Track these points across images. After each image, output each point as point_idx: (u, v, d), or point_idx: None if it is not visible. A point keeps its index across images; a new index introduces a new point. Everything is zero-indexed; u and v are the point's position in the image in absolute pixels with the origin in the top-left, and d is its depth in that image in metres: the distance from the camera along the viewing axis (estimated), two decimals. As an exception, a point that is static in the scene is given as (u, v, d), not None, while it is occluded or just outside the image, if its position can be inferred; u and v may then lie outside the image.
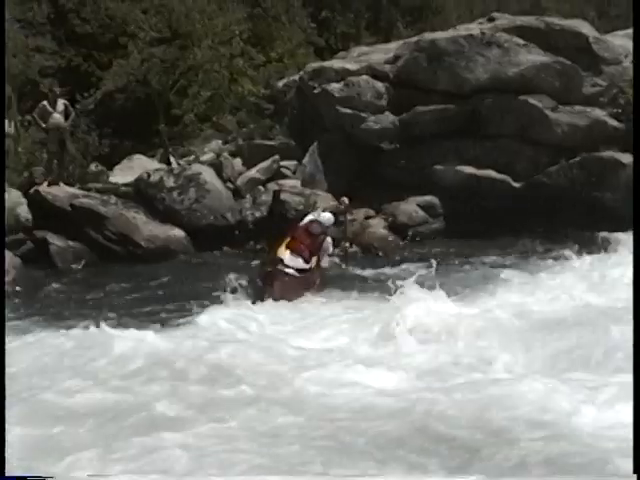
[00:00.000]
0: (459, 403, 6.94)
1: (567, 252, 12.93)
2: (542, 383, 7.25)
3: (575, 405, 6.78)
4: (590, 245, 13.56)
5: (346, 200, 13.81)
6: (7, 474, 5.39)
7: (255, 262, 13.91)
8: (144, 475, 5.87)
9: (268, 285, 11.40)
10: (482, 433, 6.40)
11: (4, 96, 15.57)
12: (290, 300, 11.12)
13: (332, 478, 5.93)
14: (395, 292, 10.16)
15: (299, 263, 11.90)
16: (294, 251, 11.97)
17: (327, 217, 12.67)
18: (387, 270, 13.53)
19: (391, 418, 6.77)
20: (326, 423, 6.78)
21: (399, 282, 10.29)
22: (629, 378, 6.30)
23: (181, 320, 10.57)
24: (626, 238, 12.36)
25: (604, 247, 13.42)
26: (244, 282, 11.51)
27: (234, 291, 11.21)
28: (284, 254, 11.88)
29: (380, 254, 15.00)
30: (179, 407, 7.16)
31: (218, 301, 10.86)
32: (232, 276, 11.43)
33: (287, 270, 11.71)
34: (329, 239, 12.49)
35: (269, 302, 11.03)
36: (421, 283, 10.29)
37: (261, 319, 10.27)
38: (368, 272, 13.53)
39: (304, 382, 7.66)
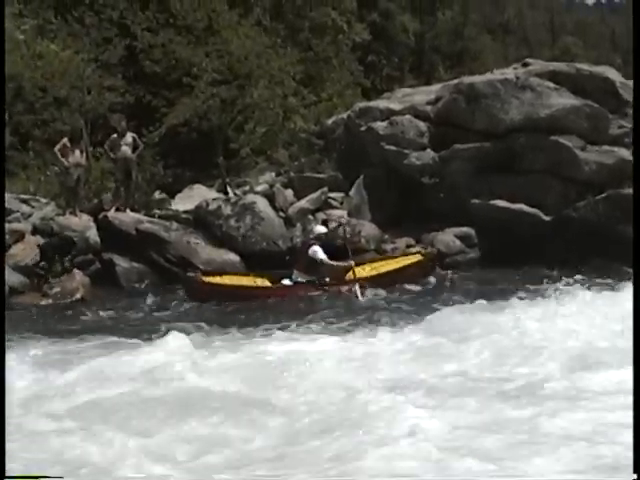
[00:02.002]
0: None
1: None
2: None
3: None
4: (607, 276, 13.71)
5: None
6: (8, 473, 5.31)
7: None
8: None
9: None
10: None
11: (4, 97, 15.88)
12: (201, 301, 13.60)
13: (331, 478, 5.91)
14: None
15: (302, 277, 14.06)
16: (298, 270, 14.11)
17: (315, 229, 14.95)
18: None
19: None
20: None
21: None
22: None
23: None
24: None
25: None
26: None
27: None
28: (294, 274, 14.12)
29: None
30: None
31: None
32: None
33: (286, 284, 14.05)
34: (313, 247, 14.14)
35: None
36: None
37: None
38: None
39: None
